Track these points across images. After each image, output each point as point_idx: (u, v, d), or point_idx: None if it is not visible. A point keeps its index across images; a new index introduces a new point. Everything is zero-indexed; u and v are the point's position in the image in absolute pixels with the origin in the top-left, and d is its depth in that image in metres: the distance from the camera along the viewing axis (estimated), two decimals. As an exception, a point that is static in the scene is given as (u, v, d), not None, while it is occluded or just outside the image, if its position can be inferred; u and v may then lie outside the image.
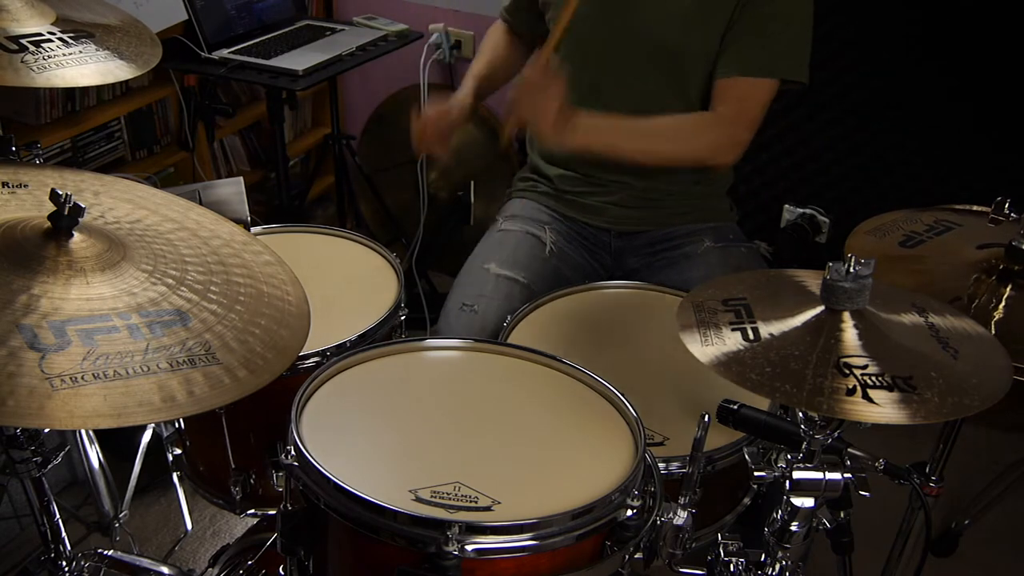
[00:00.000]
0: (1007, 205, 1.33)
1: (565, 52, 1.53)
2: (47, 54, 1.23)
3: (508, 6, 1.82)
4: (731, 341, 0.99)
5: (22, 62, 1.20)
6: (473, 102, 1.69)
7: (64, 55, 1.25)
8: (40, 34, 1.26)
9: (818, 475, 1.01)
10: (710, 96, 1.57)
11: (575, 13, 1.44)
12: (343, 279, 1.49)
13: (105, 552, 1.33)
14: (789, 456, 1.05)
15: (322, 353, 1.25)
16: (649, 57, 1.58)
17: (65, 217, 0.95)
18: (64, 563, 1.24)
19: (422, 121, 1.63)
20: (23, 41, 1.23)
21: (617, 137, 1.52)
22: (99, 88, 2.19)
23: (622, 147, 1.53)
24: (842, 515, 1.07)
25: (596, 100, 1.56)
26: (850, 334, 0.97)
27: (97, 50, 1.29)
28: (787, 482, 1.02)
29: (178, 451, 1.44)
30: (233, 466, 1.33)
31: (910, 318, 1.04)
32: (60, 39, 1.26)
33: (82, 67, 1.25)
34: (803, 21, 1.53)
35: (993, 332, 1.13)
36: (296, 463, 0.98)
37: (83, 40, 1.29)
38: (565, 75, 1.42)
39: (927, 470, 1.33)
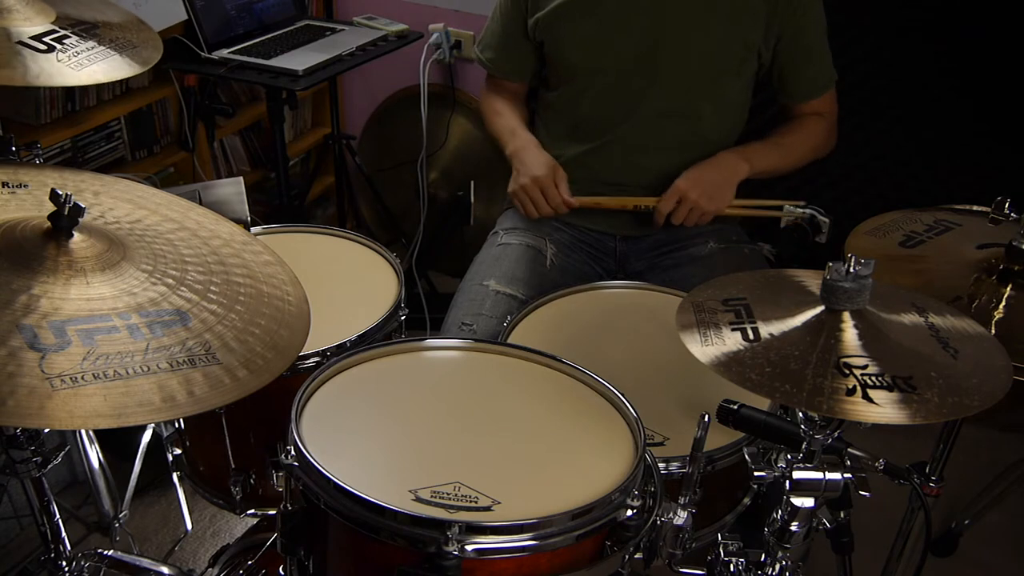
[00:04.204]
0: (1007, 205, 1.33)
1: (596, 77, 1.65)
2: (75, 50, 1.21)
3: (494, 57, 1.78)
4: (731, 341, 0.99)
5: (58, 61, 1.19)
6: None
7: (88, 50, 1.23)
8: (55, 31, 1.23)
9: (818, 475, 1.01)
10: (736, 100, 1.69)
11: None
12: (343, 279, 1.49)
13: (105, 552, 1.33)
14: (789, 456, 1.05)
15: (322, 353, 1.25)
16: (679, 66, 1.61)
17: (65, 217, 0.95)
18: (64, 563, 1.24)
19: (535, 187, 1.64)
20: (47, 40, 1.21)
21: (772, 159, 1.69)
22: (99, 88, 2.19)
23: (776, 165, 1.71)
24: (842, 515, 1.07)
25: (635, 111, 1.64)
26: (850, 334, 0.97)
27: (109, 43, 1.28)
28: (787, 482, 1.02)
29: (178, 451, 1.43)
30: (233, 466, 1.33)
31: (910, 318, 1.04)
32: (76, 35, 1.24)
33: (108, 60, 1.24)
34: (823, 23, 1.67)
35: (993, 332, 1.13)
36: (296, 463, 0.98)
37: (93, 35, 1.27)
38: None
39: (927, 470, 1.33)
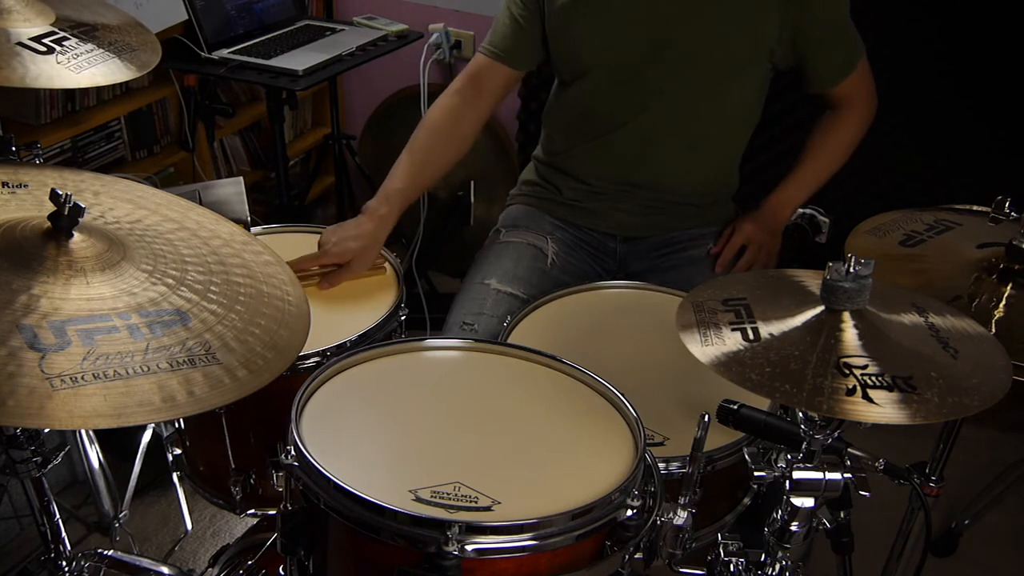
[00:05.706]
0: (1007, 205, 1.33)
1: (607, 71, 1.62)
2: (75, 52, 1.21)
3: (500, 43, 1.67)
4: (731, 341, 0.99)
5: (58, 63, 1.19)
6: (388, 228, 1.55)
7: (87, 53, 1.23)
8: (54, 32, 1.23)
9: (818, 475, 1.01)
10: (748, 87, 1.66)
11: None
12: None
13: (105, 552, 1.33)
14: (789, 456, 1.05)
15: (322, 353, 1.25)
16: (697, 62, 1.59)
17: (65, 217, 0.95)
18: (64, 563, 1.24)
19: (319, 254, 1.47)
20: (46, 42, 1.21)
21: (813, 184, 1.76)
22: (99, 88, 2.19)
23: (815, 190, 1.77)
24: (842, 515, 1.07)
25: (645, 112, 1.62)
26: (850, 334, 0.97)
27: (108, 46, 1.28)
28: (787, 482, 1.02)
29: (178, 451, 1.43)
30: (233, 466, 1.33)
31: (910, 318, 1.04)
32: (76, 37, 1.24)
33: (107, 63, 1.24)
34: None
35: (993, 331, 1.13)
36: (296, 463, 0.98)
37: (92, 37, 1.27)
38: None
39: (927, 470, 1.33)
